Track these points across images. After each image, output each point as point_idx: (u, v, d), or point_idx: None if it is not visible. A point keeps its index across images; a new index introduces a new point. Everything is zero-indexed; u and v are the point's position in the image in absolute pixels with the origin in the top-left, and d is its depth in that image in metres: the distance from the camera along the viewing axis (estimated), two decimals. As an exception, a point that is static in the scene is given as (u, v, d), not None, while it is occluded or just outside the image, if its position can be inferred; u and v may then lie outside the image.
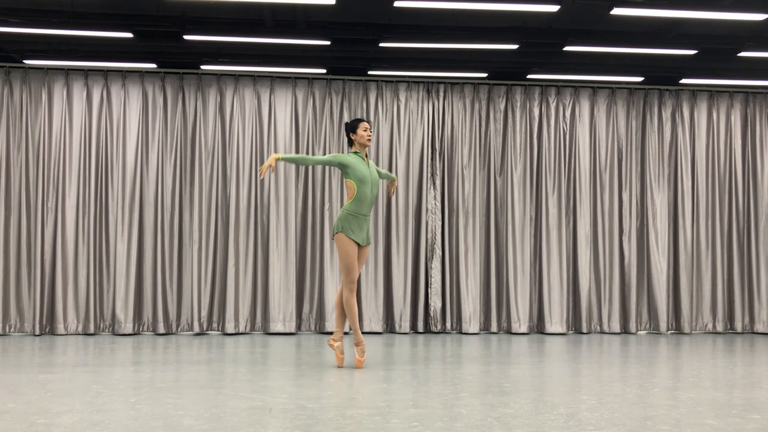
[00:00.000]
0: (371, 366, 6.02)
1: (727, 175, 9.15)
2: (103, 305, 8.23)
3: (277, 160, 5.69)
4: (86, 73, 8.37)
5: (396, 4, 6.78)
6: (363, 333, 8.44)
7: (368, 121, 6.08)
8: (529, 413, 4.25)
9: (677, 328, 9.01)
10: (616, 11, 6.90)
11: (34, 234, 8.14)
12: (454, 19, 7.52)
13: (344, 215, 5.78)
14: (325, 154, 8.57)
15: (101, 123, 8.34)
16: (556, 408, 4.41)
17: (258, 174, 5.87)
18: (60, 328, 8.09)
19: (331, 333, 8.40)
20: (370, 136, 5.90)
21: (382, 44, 8.00)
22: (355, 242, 5.78)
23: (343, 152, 8.56)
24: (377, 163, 8.64)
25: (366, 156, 5.93)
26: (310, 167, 8.44)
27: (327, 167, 8.53)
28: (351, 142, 5.97)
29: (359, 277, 8.48)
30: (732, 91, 9.23)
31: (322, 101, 8.65)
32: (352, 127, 5.94)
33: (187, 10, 7.45)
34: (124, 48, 8.37)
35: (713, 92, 9.20)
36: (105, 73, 8.40)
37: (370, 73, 8.92)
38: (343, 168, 5.80)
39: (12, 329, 8.11)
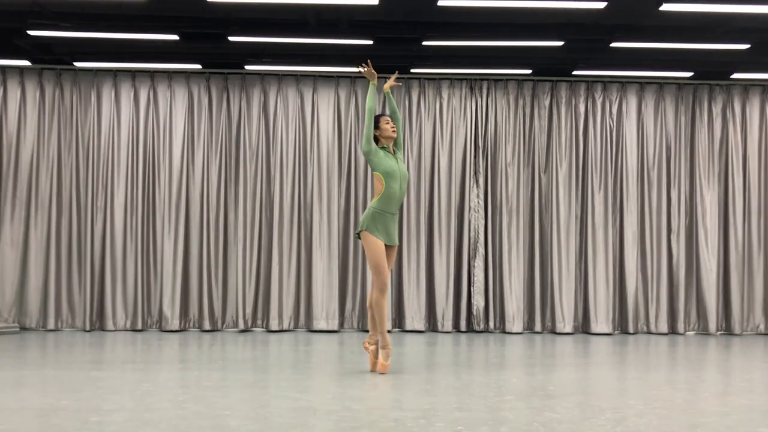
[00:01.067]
0: (414, 367, 6.02)
1: (781, 171, 8.89)
2: (150, 302, 8.39)
3: (373, 84, 5.62)
4: (133, 74, 8.53)
5: (440, 2, 6.73)
6: (405, 332, 8.45)
7: (389, 115, 5.91)
8: (576, 418, 4.20)
9: (727, 329, 8.79)
10: (666, 7, 6.73)
11: (84, 232, 8.34)
12: (499, 16, 7.42)
13: (370, 213, 5.58)
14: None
15: (148, 123, 8.50)
16: (603, 413, 4.35)
17: (363, 65, 5.82)
18: (109, 324, 8.28)
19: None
20: (393, 127, 5.74)
21: (425, 42, 7.96)
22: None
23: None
24: (419, 163, 8.61)
25: (394, 151, 5.75)
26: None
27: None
28: (376, 140, 5.78)
29: (401, 276, 8.48)
30: (786, 85, 8.95)
31: (364, 100, 8.66)
32: (374, 124, 5.76)
33: (231, 12, 7.52)
34: (170, 49, 8.49)
35: (766, 87, 8.94)
36: (152, 74, 8.54)
37: (412, 71, 8.88)
38: (372, 156, 5.60)
39: (64, 325, 8.33)
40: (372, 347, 5.78)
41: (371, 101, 5.61)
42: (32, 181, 8.35)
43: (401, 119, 6.03)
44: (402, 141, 6.00)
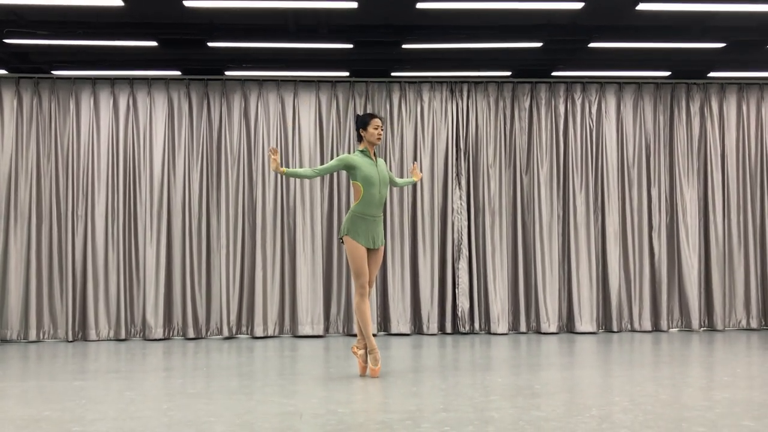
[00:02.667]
0: (400, 369, 6.01)
1: (759, 168, 8.98)
2: (133, 311, 8.33)
3: (282, 173, 5.41)
4: (112, 81, 8.47)
5: (419, 5, 6.77)
6: (390, 335, 8.44)
7: (380, 118, 5.65)
8: (561, 416, 4.21)
9: (710, 325, 8.87)
10: (642, 6, 6.82)
11: (64, 241, 8.26)
12: (478, 18, 7.48)
13: (351, 217, 5.50)
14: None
15: (128, 131, 8.44)
16: (589, 410, 4.37)
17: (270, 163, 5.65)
18: (92, 334, 8.19)
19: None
20: (380, 135, 5.56)
21: (404, 46, 7.99)
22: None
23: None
24: (401, 166, 8.63)
25: (374, 155, 5.59)
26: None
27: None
28: (360, 138, 5.60)
29: (385, 279, 8.47)
30: (762, 83, 9.06)
31: (345, 104, 8.66)
32: (363, 123, 5.55)
33: (211, 18, 7.51)
34: (149, 56, 8.47)
35: (743, 85, 9.05)
36: (131, 81, 8.49)
37: (393, 74, 8.91)
38: (350, 169, 5.49)
39: (46, 336, 8.24)
40: (360, 351, 5.72)
41: (301, 173, 5.48)
42: (11, 191, 8.26)
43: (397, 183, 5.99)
44: (395, 180, 5.93)
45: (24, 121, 8.36)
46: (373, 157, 5.60)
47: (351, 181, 5.61)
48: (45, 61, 8.57)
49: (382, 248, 5.71)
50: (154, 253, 8.31)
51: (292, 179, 8.51)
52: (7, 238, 8.22)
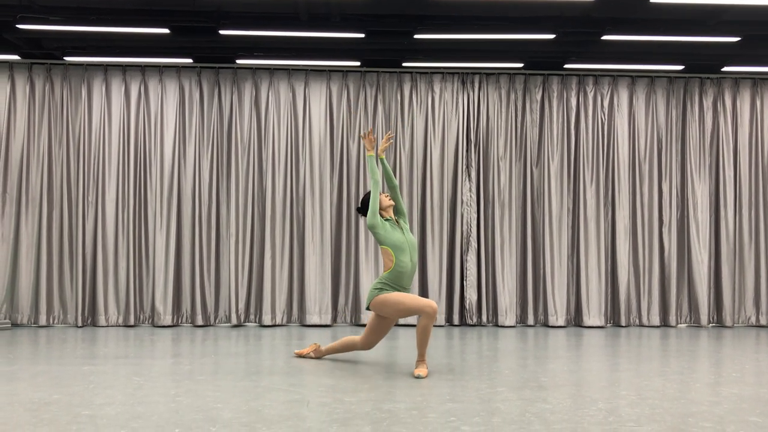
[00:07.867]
0: (407, 359, 6.02)
1: (771, 164, 8.92)
2: (142, 297, 8.37)
3: (379, 158, 5.54)
4: (124, 68, 8.49)
5: (431, -5, 6.73)
6: (398, 326, 8.45)
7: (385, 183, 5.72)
8: (568, 409, 4.21)
9: (719, 322, 8.83)
10: (656, -1, 6.75)
11: (75, 228, 8.30)
12: (490, 9, 7.42)
13: (380, 285, 5.35)
14: (360, 146, 8.57)
15: (139, 118, 8.46)
16: (595, 403, 4.37)
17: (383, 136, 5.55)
18: (101, 319, 8.24)
19: (364, 325, 8.37)
20: (388, 195, 5.52)
21: (416, 36, 7.95)
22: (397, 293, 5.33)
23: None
24: (411, 157, 8.61)
25: (397, 221, 5.52)
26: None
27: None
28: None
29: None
30: (776, 78, 8.98)
31: (356, 94, 8.65)
32: (365, 204, 5.58)
33: (222, 5, 7.49)
34: (160, 44, 8.45)
35: (757, 80, 8.97)
36: (142, 68, 8.50)
37: (404, 64, 8.86)
38: (377, 230, 5.36)
39: (56, 321, 8.30)
40: (312, 355, 5.99)
41: (375, 174, 5.42)
42: (23, 177, 8.31)
43: (397, 185, 5.64)
44: (403, 207, 5.64)
45: (36, 107, 8.39)
46: (397, 224, 5.50)
47: (380, 247, 5.44)
48: (57, 47, 8.57)
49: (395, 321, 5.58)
50: (164, 240, 8.34)
51: (302, 169, 8.52)
52: (19, 223, 8.27)
